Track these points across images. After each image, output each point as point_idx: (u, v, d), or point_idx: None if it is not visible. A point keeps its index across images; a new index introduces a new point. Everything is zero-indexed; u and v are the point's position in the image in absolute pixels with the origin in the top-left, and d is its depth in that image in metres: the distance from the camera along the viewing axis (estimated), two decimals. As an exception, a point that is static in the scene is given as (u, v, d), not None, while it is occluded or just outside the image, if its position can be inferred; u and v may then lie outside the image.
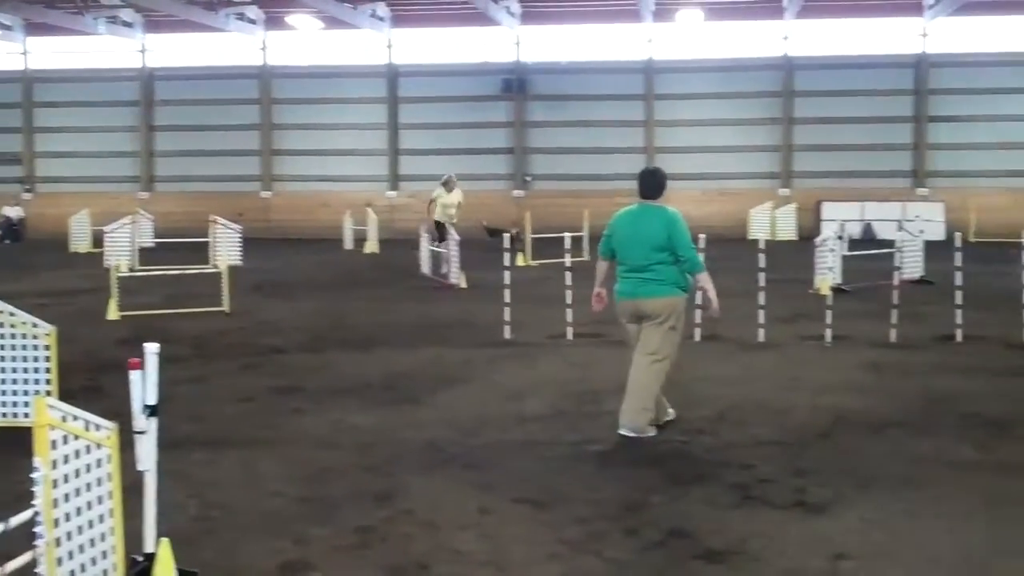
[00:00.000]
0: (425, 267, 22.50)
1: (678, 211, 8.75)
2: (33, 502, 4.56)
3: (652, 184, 8.83)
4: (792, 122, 36.67)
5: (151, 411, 5.26)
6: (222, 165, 39.13)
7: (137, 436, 5.26)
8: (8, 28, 39.04)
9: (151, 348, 5.30)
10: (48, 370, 8.76)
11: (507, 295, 14.14)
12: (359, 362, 12.30)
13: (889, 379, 11.04)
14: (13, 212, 37.95)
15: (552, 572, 5.78)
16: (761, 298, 13.53)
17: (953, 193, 34.92)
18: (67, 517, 4.72)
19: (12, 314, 8.72)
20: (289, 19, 36.84)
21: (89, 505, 4.88)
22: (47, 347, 8.75)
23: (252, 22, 37.62)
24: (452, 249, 20.52)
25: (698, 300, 12.62)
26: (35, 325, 8.73)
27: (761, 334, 13.41)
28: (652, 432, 8.58)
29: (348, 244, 32.41)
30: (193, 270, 18.94)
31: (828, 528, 6.42)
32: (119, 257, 23.58)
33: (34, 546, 4.57)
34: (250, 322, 15.68)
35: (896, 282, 13.91)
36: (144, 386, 5.23)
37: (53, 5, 34.56)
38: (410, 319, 15.93)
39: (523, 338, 13.76)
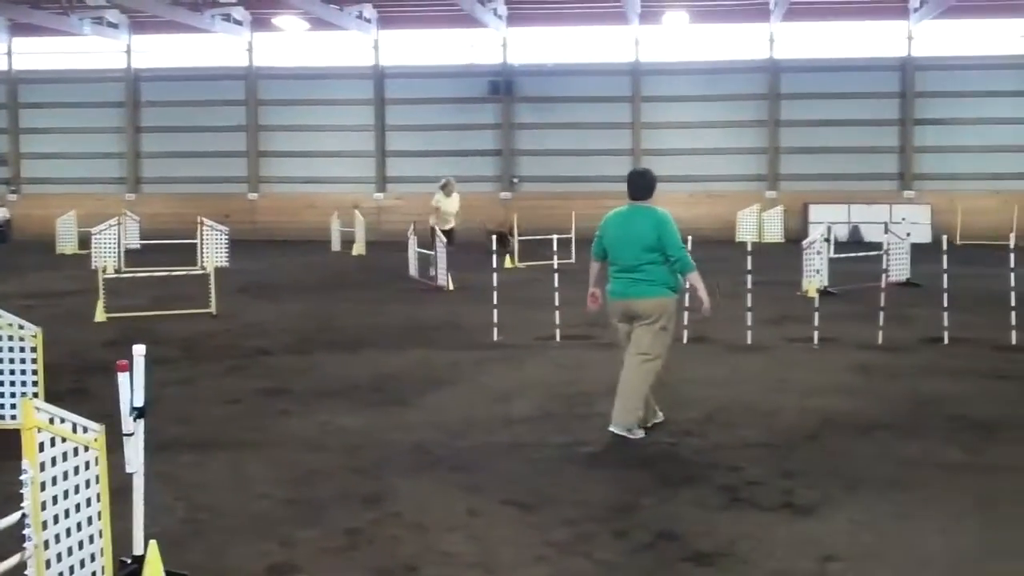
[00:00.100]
0: (413, 269, 22.44)
1: (668, 212, 8.79)
2: (21, 505, 4.54)
3: (642, 185, 8.87)
4: (779, 124, 36.70)
5: (138, 413, 5.25)
6: (208, 166, 38.99)
7: (125, 438, 5.24)
8: (-7, 29, 38.97)
9: (138, 350, 5.29)
10: (35, 372, 8.73)
11: (495, 297, 14.13)
12: (347, 364, 12.29)
13: (876, 381, 11.06)
14: (-1, 213, 37.86)
15: (540, 574, 5.78)
16: (749, 300, 13.55)
17: (939, 196, 35.02)
18: (55, 520, 4.70)
19: (-2, 316, 8.69)
20: (275, 20, 36.74)
21: (77, 508, 4.86)
22: (33, 349, 8.72)
23: (238, 23, 37.52)
24: (439, 251, 20.49)
25: (686, 302, 12.64)
26: (21, 327, 8.69)
27: (749, 336, 13.42)
28: (640, 434, 8.60)
29: (335, 246, 32.35)
30: (180, 272, 18.90)
31: (816, 530, 6.43)
32: (106, 259, 23.52)
33: (23, 549, 4.55)
34: (237, 324, 15.65)
35: (883, 284, 13.94)
36: (131, 388, 5.22)
37: (38, 6, 34.41)
38: (398, 321, 15.91)
39: (511, 340, 13.76)
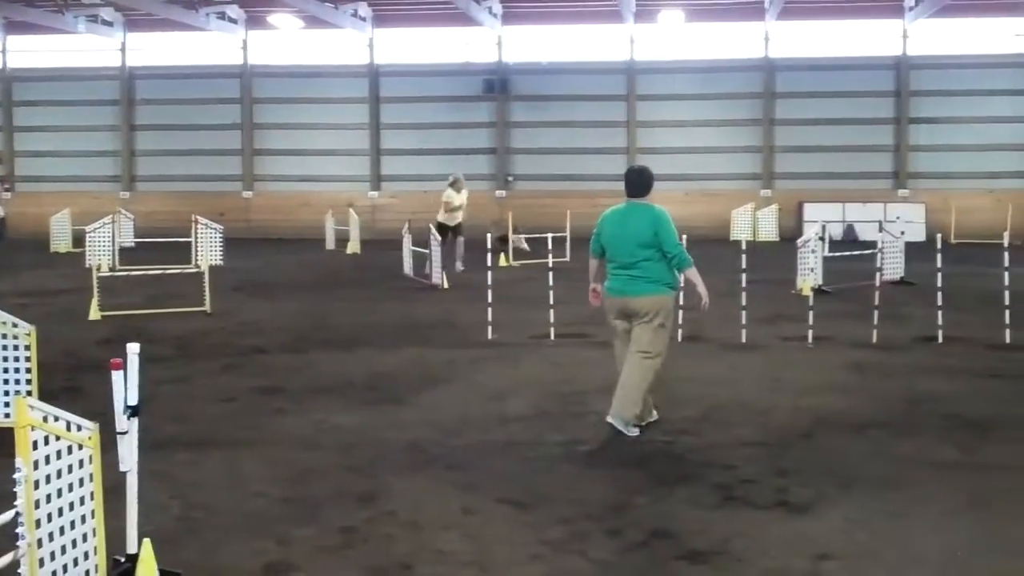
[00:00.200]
0: (407, 267, 22.42)
1: (664, 209, 8.82)
2: (15, 503, 4.54)
3: (639, 183, 8.91)
4: (774, 123, 36.75)
5: (133, 411, 5.24)
6: (203, 165, 38.97)
7: (119, 436, 5.24)
8: (-12, 26, 38.92)
9: (133, 348, 5.28)
10: (28, 370, 8.72)
11: (489, 295, 14.13)
12: (341, 362, 12.28)
13: (871, 380, 11.07)
14: (-7, 212, 37.83)
15: (535, 572, 5.78)
16: (743, 299, 13.56)
17: (934, 194, 35.08)
18: (49, 518, 4.70)
19: (-8, 314, 8.68)
20: (270, 18, 36.73)
21: (71, 506, 4.86)
22: (27, 347, 8.70)
23: (233, 21, 37.51)
24: (433, 249, 20.48)
25: (680, 300, 12.64)
26: (15, 325, 8.68)
27: (743, 335, 13.43)
28: (635, 432, 8.60)
29: (330, 244, 32.33)
30: (175, 270, 18.87)
31: (810, 528, 6.43)
32: (100, 257, 23.47)
33: (16, 547, 4.55)
34: (232, 322, 15.64)
35: (877, 283, 13.96)
36: (126, 386, 5.21)
37: (33, 3, 34.37)
38: (392, 319, 15.91)
39: (506, 338, 13.76)
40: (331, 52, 38.65)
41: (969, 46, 35.66)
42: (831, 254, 20.15)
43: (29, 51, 40.31)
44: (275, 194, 39.04)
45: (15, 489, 4.53)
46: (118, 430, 5.22)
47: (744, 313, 13.55)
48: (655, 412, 9.01)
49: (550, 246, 15.51)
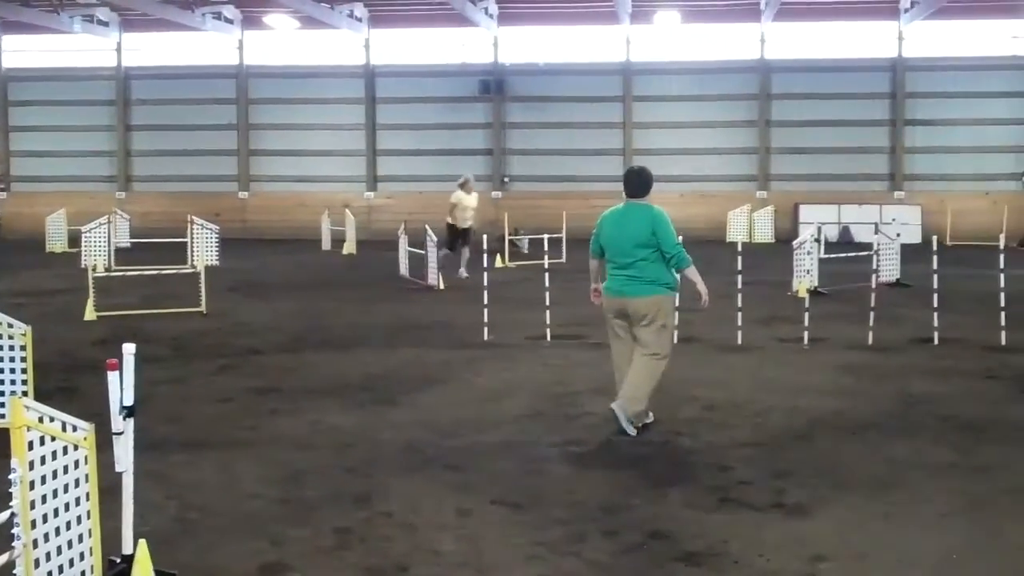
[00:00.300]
0: (403, 268, 22.39)
1: (663, 209, 8.86)
2: (10, 503, 4.53)
3: (638, 183, 8.96)
4: (769, 125, 36.75)
5: (128, 412, 5.23)
6: (199, 165, 38.93)
7: (115, 437, 5.23)
8: (-17, 26, 38.85)
9: (128, 349, 5.27)
10: (24, 370, 8.71)
11: (485, 296, 14.13)
12: (337, 363, 12.27)
13: (866, 381, 11.08)
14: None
15: (531, 574, 5.78)
16: (739, 300, 13.57)
17: (930, 196, 35.11)
18: (45, 519, 4.69)
19: (-12, 314, 8.67)
20: (266, 19, 36.69)
21: (67, 507, 4.85)
22: (23, 347, 8.69)
23: (229, 22, 37.46)
24: (430, 250, 20.47)
25: (677, 302, 12.63)
26: (10, 325, 8.67)
27: (739, 336, 13.44)
28: (633, 432, 8.62)
29: (326, 245, 32.32)
30: (170, 270, 18.86)
31: (806, 530, 6.44)
32: (96, 257, 23.46)
33: (12, 548, 4.54)
34: (228, 323, 15.63)
35: (873, 285, 13.97)
36: (121, 387, 5.21)
37: (28, 3, 34.32)
38: (388, 320, 15.90)
39: (502, 339, 13.76)
40: (327, 53, 38.61)
41: (965, 48, 35.68)
42: (827, 256, 20.17)
43: (25, 51, 40.23)
44: (271, 195, 39.00)
45: (11, 490, 4.52)
46: (114, 431, 5.22)
47: (740, 315, 13.56)
48: (651, 414, 9.01)
49: (546, 247, 15.52)
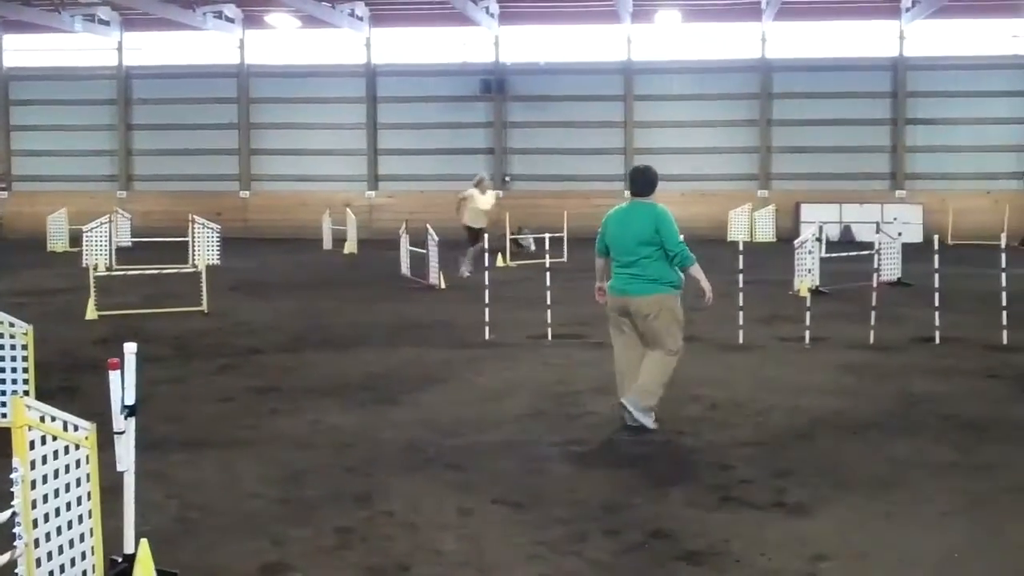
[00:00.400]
0: (405, 267, 22.38)
1: (667, 207, 8.89)
2: (12, 503, 4.53)
3: (642, 182, 9.05)
4: (770, 124, 36.72)
5: (130, 411, 5.23)
6: (200, 164, 38.90)
7: (116, 436, 5.23)
8: (-16, 26, 38.85)
9: (129, 348, 5.27)
10: (25, 370, 8.71)
11: (487, 295, 14.13)
12: (338, 362, 12.27)
13: (868, 381, 11.07)
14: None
15: (532, 573, 5.78)
16: (740, 299, 13.57)
17: (931, 195, 35.09)
18: (46, 518, 4.69)
19: (-11, 313, 8.67)
20: (267, 18, 36.67)
21: (68, 506, 4.85)
22: (24, 346, 8.69)
23: (230, 21, 37.45)
24: (431, 249, 20.46)
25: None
26: (12, 324, 8.67)
27: (740, 335, 13.44)
28: (653, 423, 8.72)
29: (327, 244, 32.31)
30: (171, 270, 18.86)
31: (808, 529, 6.43)
32: (97, 256, 23.45)
33: (13, 547, 4.54)
34: (229, 322, 15.63)
35: (874, 284, 13.97)
36: (122, 386, 5.20)
37: (29, 3, 34.31)
38: (389, 319, 15.90)
39: (503, 339, 13.75)
40: (328, 52, 38.60)
41: (966, 47, 35.66)
42: (828, 255, 20.16)
43: (25, 50, 40.22)
44: (272, 194, 38.99)
45: (12, 489, 4.52)
46: (115, 430, 5.22)
47: (741, 314, 13.56)
48: (652, 413, 9.02)
49: (547, 246, 15.52)
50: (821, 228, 21.79)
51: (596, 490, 7.21)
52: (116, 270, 21.59)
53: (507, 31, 37.59)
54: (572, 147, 37.15)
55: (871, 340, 13.34)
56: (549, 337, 13.74)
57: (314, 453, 8.19)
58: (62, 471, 4.81)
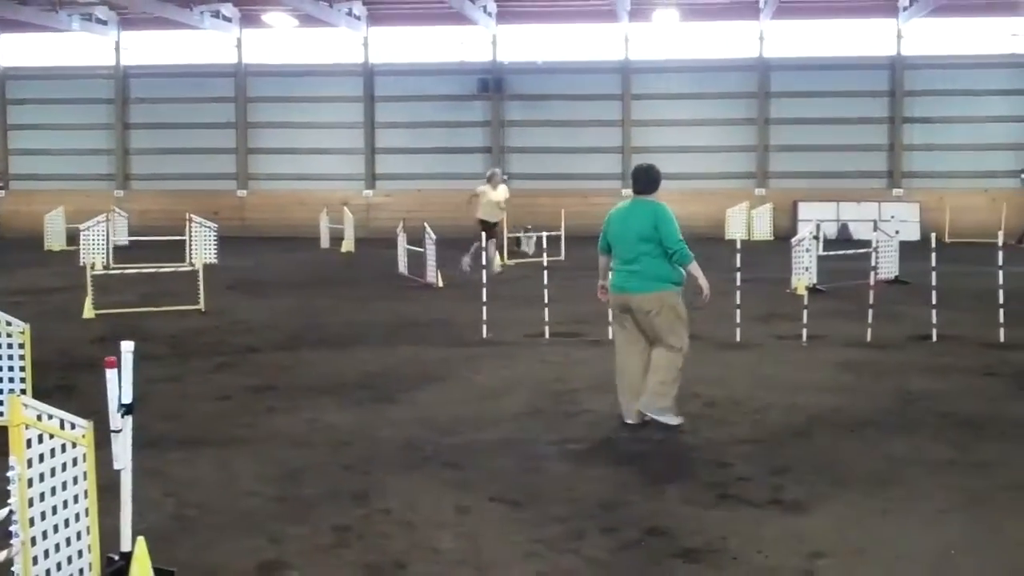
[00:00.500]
0: (402, 266, 22.37)
1: (667, 205, 8.92)
2: (8, 501, 4.53)
3: (645, 180, 9.12)
4: (768, 122, 36.74)
5: (126, 410, 5.23)
6: (197, 163, 38.89)
7: (113, 435, 5.23)
8: (-19, 25, 38.79)
9: (126, 346, 5.27)
10: (22, 368, 8.70)
11: (484, 294, 14.13)
12: (335, 361, 12.27)
13: (865, 378, 11.08)
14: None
15: (529, 571, 5.77)
16: (738, 297, 13.57)
17: (928, 194, 35.12)
18: (43, 516, 4.69)
19: (-14, 312, 8.66)
20: (264, 17, 36.66)
21: (65, 504, 4.85)
22: (21, 345, 8.69)
23: (227, 20, 37.43)
24: (429, 248, 20.45)
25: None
26: (9, 323, 8.66)
27: (738, 333, 13.44)
28: (678, 420, 8.79)
29: (324, 243, 32.30)
30: (169, 268, 18.85)
31: (805, 526, 6.44)
32: (94, 255, 23.45)
33: (10, 545, 4.54)
34: (226, 321, 15.62)
35: (872, 282, 13.97)
36: (120, 384, 5.20)
37: (26, 2, 34.26)
38: (387, 318, 15.89)
39: (500, 337, 13.75)
40: (325, 51, 38.60)
41: (963, 46, 35.69)
42: (825, 253, 20.17)
43: (22, 49, 40.19)
44: (269, 193, 38.98)
45: (9, 487, 4.52)
46: (112, 428, 5.21)
47: (739, 312, 13.56)
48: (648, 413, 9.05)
49: (545, 244, 15.52)
50: (818, 226, 21.80)
51: (593, 488, 7.21)
52: (113, 269, 21.57)
53: (505, 30, 37.59)
54: (570, 146, 37.17)
55: (868, 338, 13.35)
56: (547, 335, 13.74)
57: (311, 451, 8.19)
58: (59, 469, 4.81)
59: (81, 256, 23.74)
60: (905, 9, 34.75)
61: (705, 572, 5.74)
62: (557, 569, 5.79)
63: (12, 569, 4.54)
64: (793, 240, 19.39)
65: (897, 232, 20.94)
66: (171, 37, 38.76)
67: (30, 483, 4.59)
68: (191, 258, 23.11)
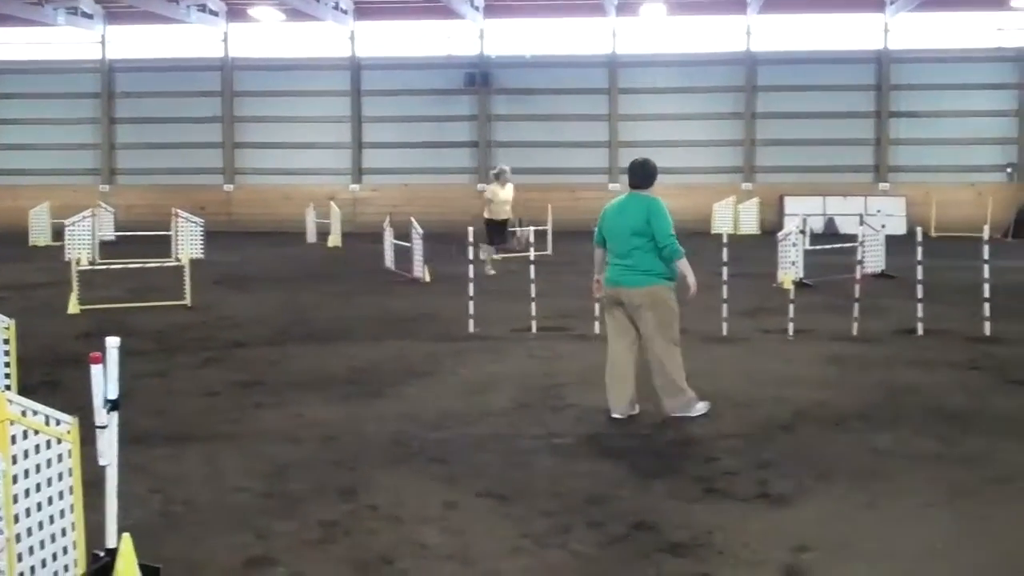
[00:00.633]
0: (389, 261, 22.35)
1: (661, 200, 8.95)
2: (-8, 497, 4.51)
3: (641, 174, 9.16)
4: (755, 117, 36.78)
5: (112, 405, 5.20)
6: (183, 158, 38.76)
7: (98, 431, 5.21)
8: (-35, 19, 38.60)
9: (112, 342, 5.24)
10: (7, 364, 8.67)
11: (471, 288, 14.12)
12: (322, 356, 12.26)
13: (851, 372, 11.11)
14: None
15: (517, 565, 5.78)
16: (724, 292, 13.58)
17: (914, 188, 35.19)
18: (28, 512, 4.68)
19: (-30, 308, 8.62)
20: (251, 11, 36.57)
21: (50, 500, 4.84)
22: (6, 341, 8.65)
23: (214, 14, 37.34)
24: (416, 243, 20.44)
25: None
26: (-6, 319, 8.63)
27: (724, 328, 13.46)
28: (702, 408, 8.99)
29: (311, 238, 32.25)
30: (155, 263, 18.80)
31: (790, 520, 6.45)
32: (79, 250, 23.38)
33: (-6, 542, 4.53)
34: (212, 316, 15.59)
35: (858, 276, 14.00)
36: (105, 380, 5.18)
37: (11, -5, 34.17)
38: (373, 313, 15.88)
39: (487, 332, 13.75)
40: (312, 45, 38.52)
41: (950, 40, 35.74)
42: (812, 247, 20.20)
43: (7, 43, 39.96)
44: (256, 187, 38.89)
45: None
46: (97, 424, 5.19)
47: (725, 306, 13.57)
48: (636, 406, 9.06)
49: (532, 239, 15.52)
50: (805, 221, 21.82)
51: (580, 482, 7.21)
52: (99, 264, 21.50)
53: (492, 24, 37.55)
54: (557, 140, 37.15)
55: (854, 332, 13.38)
56: (534, 330, 13.75)
57: (298, 447, 8.18)
58: (44, 465, 4.80)
59: (66, 251, 23.67)
60: (892, 3, 34.83)
61: (691, 566, 5.75)
62: (544, 564, 5.80)
63: (-3, 566, 4.53)
64: (779, 234, 19.42)
65: (883, 226, 20.99)
66: (157, 31, 38.60)
67: (15, 479, 4.58)
68: (177, 253, 23.05)
